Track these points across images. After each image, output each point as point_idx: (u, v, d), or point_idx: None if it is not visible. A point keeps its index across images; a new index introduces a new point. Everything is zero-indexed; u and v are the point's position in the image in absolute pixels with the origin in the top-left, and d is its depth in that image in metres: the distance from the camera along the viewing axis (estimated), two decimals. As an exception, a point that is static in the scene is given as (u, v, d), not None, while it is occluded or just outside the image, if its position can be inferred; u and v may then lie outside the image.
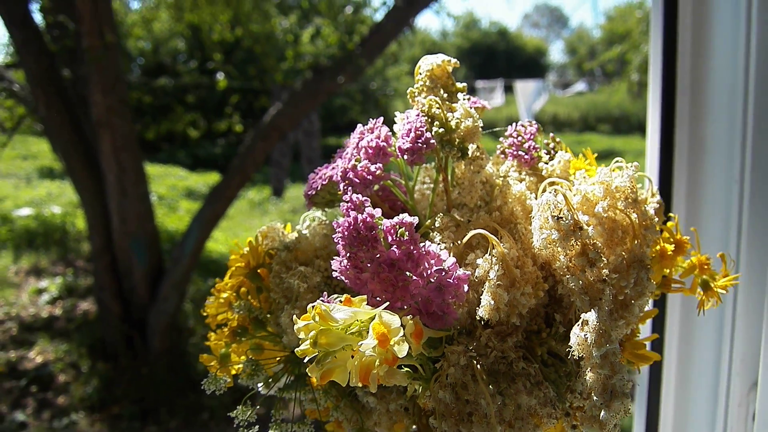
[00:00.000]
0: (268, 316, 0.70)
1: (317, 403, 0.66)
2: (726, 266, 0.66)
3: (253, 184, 10.26)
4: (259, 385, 0.69)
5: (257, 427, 0.63)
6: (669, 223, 0.65)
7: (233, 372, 0.68)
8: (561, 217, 0.52)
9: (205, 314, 0.74)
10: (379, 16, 6.03)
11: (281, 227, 0.76)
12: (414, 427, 0.62)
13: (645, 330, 1.16)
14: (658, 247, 0.63)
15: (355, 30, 6.09)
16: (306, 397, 0.67)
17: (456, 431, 0.51)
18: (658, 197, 0.65)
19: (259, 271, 0.71)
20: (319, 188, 0.69)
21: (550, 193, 0.54)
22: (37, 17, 5.20)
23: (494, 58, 25.82)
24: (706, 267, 0.66)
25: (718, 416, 1.08)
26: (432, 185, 0.71)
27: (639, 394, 1.22)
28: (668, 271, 0.65)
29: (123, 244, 4.45)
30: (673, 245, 0.64)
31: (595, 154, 0.68)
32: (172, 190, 9.06)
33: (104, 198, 4.40)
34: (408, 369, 0.56)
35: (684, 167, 1.17)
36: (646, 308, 0.64)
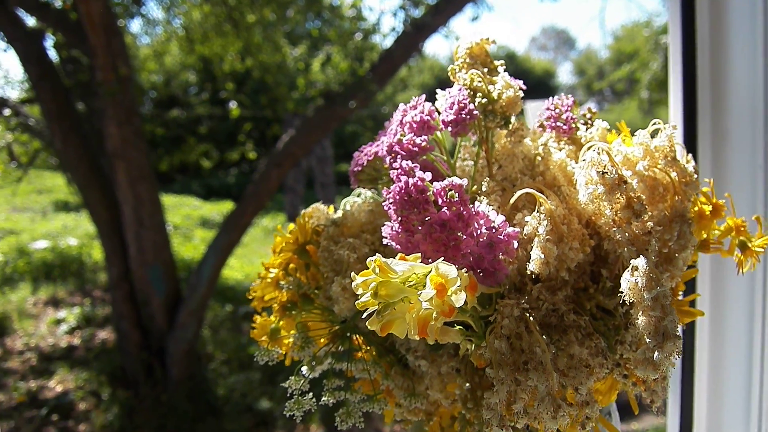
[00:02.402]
0: (316, 291, 0.72)
1: (368, 373, 0.68)
2: (762, 229, 0.68)
3: (267, 212, 10.32)
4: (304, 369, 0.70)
5: (311, 393, 0.65)
6: (704, 188, 0.68)
7: (283, 347, 0.70)
8: (606, 172, 0.55)
9: (251, 297, 0.76)
10: (388, 43, 6.08)
11: (325, 208, 0.78)
12: (467, 385, 0.64)
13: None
14: (696, 209, 0.65)
15: (364, 56, 6.13)
16: (356, 368, 0.69)
17: (513, 379, 0.53)
18: (693, 163, 0.67)
19: (307, 247, 0.74)
20: (364, 164, 0.72)
21: (595, 151, 0.56)
22: (52, 53, 5.28)
23: (502, 81, 25.87)
24: (742, 229, 0.68)
25: (752, 413, 1.09)
26: (472, 161, 0.73)
27: (672, 394, 1.22)
28: (705, 234, 0.67)
29: (141, 274, 4.48)
30: (711, 207, 0.66)
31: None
32: (187, 220, 9.12)
33: (121, 229, 4.44)
34: (461, 327, 0.58)
35: (708, 158, 1.19)
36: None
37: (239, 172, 12.86)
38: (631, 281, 0.51)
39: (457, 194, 0.57)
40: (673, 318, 0.50)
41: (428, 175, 0.57)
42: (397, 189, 0.57)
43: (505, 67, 0.70)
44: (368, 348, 0.71)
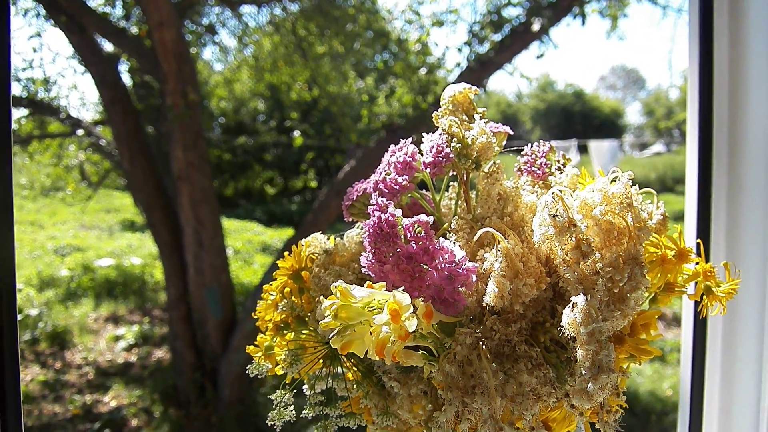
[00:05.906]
0: (309, 314, 0.78)
1: (348, 392, 0.74)
2: (730, 274, 0.71)
3: (327, 241, 10.41)
4: (305, 386, 0.76)
5: (292, 407, 0.70)
6: (674, 234, 0.71)
7: (276, 363, 0.76)
8: (557, 215, 0.59)
9: (256, 317, 0.83)
10: (452, 78, 6.13)
11: (324, 237, 0.84)
12: (430, 406, 0.69)
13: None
14: (659, 253, 0.69)
15: (429, 90, 6.21)
16: (339, 387, 0.75)
17: (461, 401, 0.58)
18: (662, 210, 0.71)
19: (302, 274, 0.80)
20: (354, 199, 0.78)
21: (550, 195, 0.61)
22: (126, 78, 5.52)
23: (570, 119, 25.71)
24: (709, 274, 0.71)
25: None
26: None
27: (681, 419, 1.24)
28: (671, 277, 0.71)
29: (198, 295, 4.61)
30: (676, 252, 0.69)
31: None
32: (248, 245, 9.30)
33: (182, 250, 4.58)
34: (424, 352, 0.63)
35: (723, 205, 1.21)
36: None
37: (302, 200, 13.07)
38: (570, 316, 0.56)
39: (423, 230, 0.62)
40: (609, 353, 0.55)
41: (398, 212, 0.63)
42: (371, 223, 0.63)
43: (482, 114, 0.75)
44: (355, 369, 0.76)
